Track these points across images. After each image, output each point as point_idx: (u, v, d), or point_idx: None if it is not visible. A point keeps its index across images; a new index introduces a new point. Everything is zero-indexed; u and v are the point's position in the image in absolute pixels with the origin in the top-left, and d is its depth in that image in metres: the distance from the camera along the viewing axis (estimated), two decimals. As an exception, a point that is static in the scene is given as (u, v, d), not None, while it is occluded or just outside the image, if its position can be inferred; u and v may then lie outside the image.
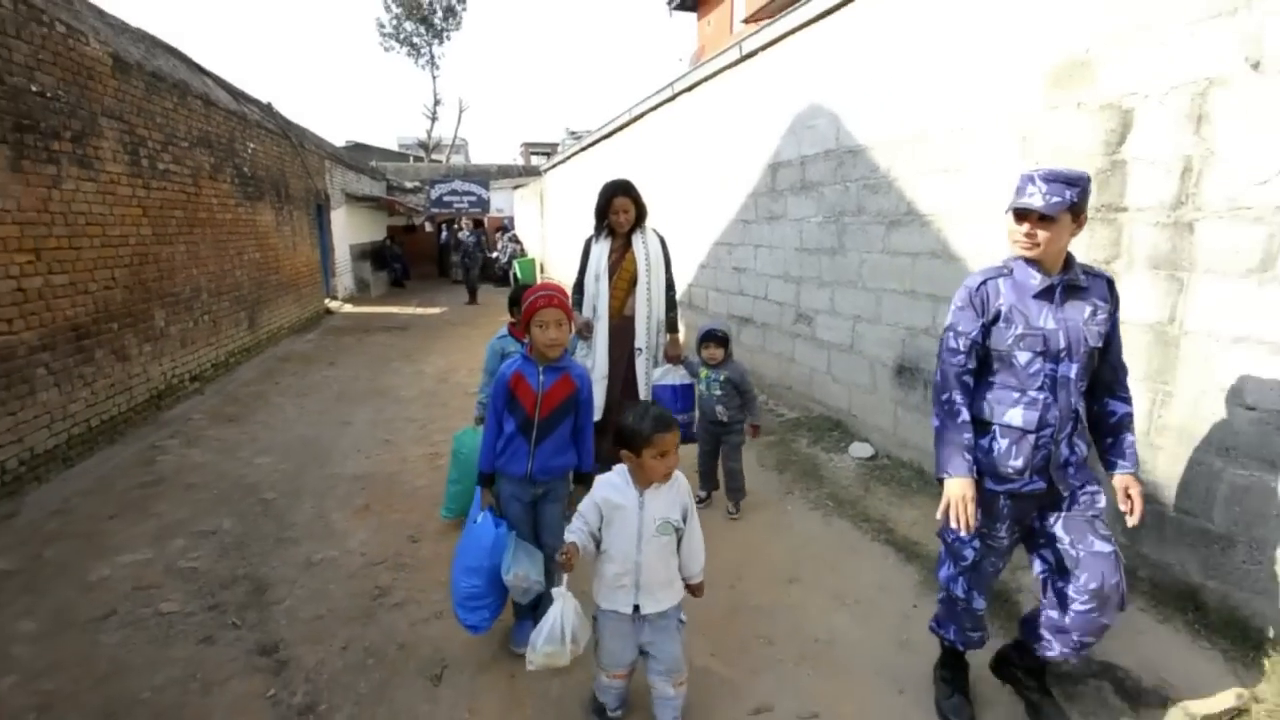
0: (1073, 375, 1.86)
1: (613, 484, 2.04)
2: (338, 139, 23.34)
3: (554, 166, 15.49)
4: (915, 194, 3.71)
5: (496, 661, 2.58)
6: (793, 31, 4.76)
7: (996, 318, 1.90)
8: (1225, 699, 2.10)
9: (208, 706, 2.36)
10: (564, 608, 1.96)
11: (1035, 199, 1.78)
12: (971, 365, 1.94)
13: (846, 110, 4.27)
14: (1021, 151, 3.03)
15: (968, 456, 1.93)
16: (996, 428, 1.94)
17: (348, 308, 13.34)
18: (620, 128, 9.35)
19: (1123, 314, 2.65)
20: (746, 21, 13.97)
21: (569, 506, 2.36)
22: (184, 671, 2.53)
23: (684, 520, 2.05)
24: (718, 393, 3.56)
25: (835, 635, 2.71)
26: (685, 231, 6.95)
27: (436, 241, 20.45)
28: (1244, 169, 2.19)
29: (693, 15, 18.92)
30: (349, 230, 14.86)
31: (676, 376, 3.66)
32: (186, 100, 6.99)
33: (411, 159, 31.16)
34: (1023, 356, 1.87)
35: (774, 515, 3.75)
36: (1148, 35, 2.47)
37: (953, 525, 1.94)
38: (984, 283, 1.94)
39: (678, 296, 3.84)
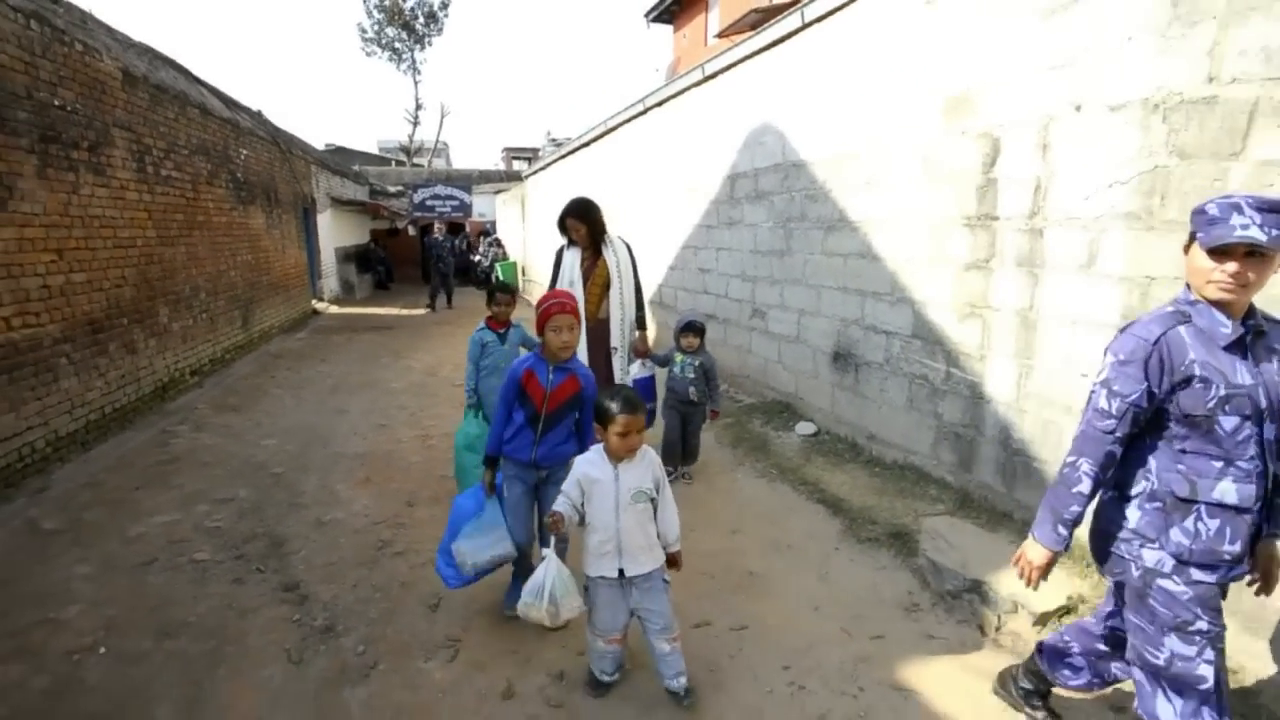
0: (1272, 438, 1.57)
1: (590, 460, 2.26)
2: (318, 142, 23.57)
3: (535, 173, 15.99)
4: (846, 203, 4.31)
5: (485, 595, 3.07)
6: (747, 58, 5.35)
7: (1189, 380, 1.56)
8: (1057, 599, 2.69)
9: (245, 627, 2.85)
10: (548, 568, 2.18)
11: (1254, 232, 1.46)
12: (1123, 433, 1.64)
13: (791, 129, 4.87)
14: (924, 170, 3.63)
15: (1063, 531, 1.75)
16: (1203, 506, 1.60)
17: (334, 309, 13.72)
18: (597, 137, 9.90)
19: (996, 302, 3.27)
20: (720, 36, 14.64)
21: None
22: (221, 603, 3.02)
23: (657, 490, 2.25)
24: (690, 375, 4.04)
25: (767, 571, 3.26)
26: (657, 235, 7.52)
27: (420, 245, 20.81)
28: (1074, 187, 2.79)
29: (669, 28, 19.58)
30: (334, 233, 15.24)
31: (639, 371, 4.06)
32: (186, 110, 7.42)
33: (393, 163, 31.43)
34: (1229, 422, 1.55)
35: (726, 483, 4.31)
36: (1009, 79, 3.08)
37: (1019, 578, 1.82)
38: (1163, 334, 1.59)
39: (649, 297, 4.29)
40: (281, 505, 4.04)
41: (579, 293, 3.91)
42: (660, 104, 7.27)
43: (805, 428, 4.84)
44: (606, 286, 3.95)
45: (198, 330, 7.39)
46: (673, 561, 2.35)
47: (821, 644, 2.72)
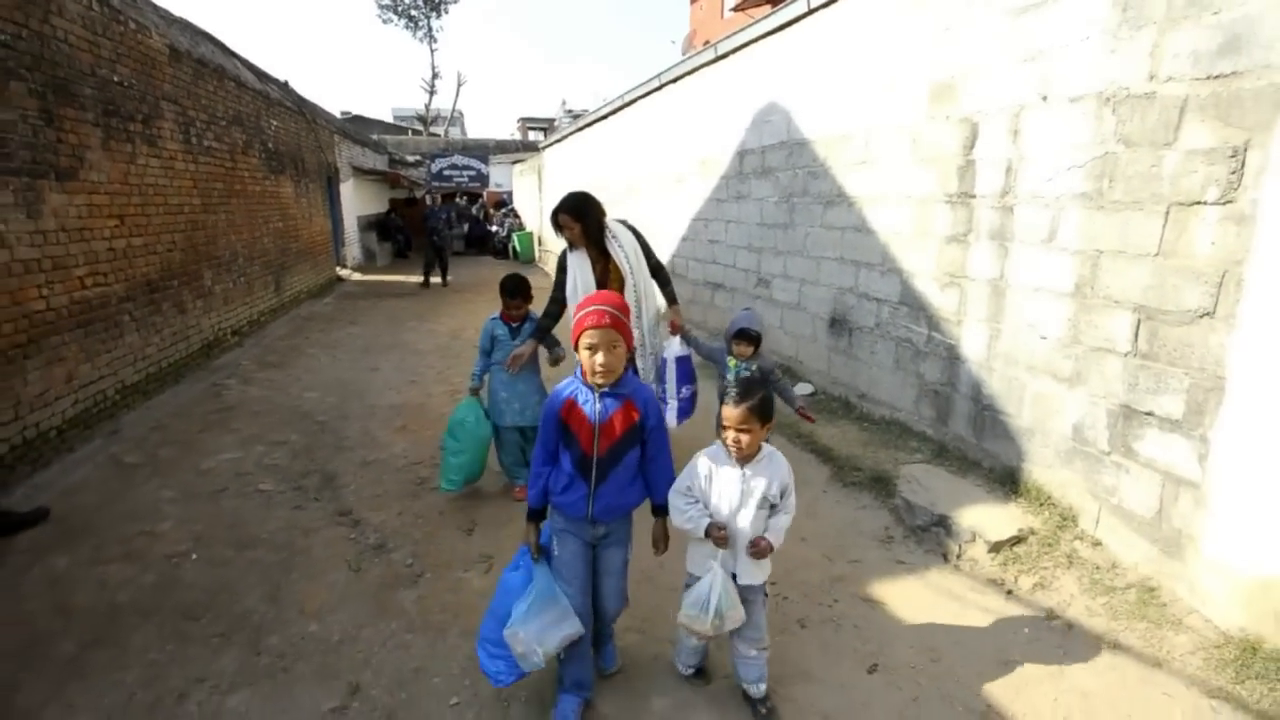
0: None
1: (715, 456, 2.06)
2: (333, 110, 23.83)
3: (552, 144, 16.24)
4: (843, 180, 4.64)
5: (513, 521, 3.55)
6: (757, 39, 5.63)
7: None
8: (1010, 530, 3.11)
9: (309, 543, 3.34)
10: (714, 581, 2.01)
11: None
12: None
13: (796, 109, 5.18)
14: (912, 152, 3.96)
15: None
16: None
17: (357, 275, 14.20)
18: (613, 111, 10.17)
19: (972, 272, 3.63)
20: (736, 10, 14.68)
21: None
22: (287, 524, 3.51)
23: (781, 496, 2.07)
24: None
25: (761, 508, 3.70)
26: (670, 208, 7.86)
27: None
28: (1040, 169, 3.13)
29: (686, -3, 19.54)
30: (356, 202, 15.64)
31: (675, 349, 3.69)
32: (223, 83, 7.79)
33: (410, 132, 31.64)
34: None
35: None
36: (987, 69, 3.40)
37: None
38: None
39: (666, 268, 3.76)
40: (329, 448, 4.52)
41: None
42: (675, 80, 7.55)
43: (804, 388, 5.24)
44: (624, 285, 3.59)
45: (236, 293, 7.86)
46: (755, 544, 2.01)
47: (805, 566, 3.16)
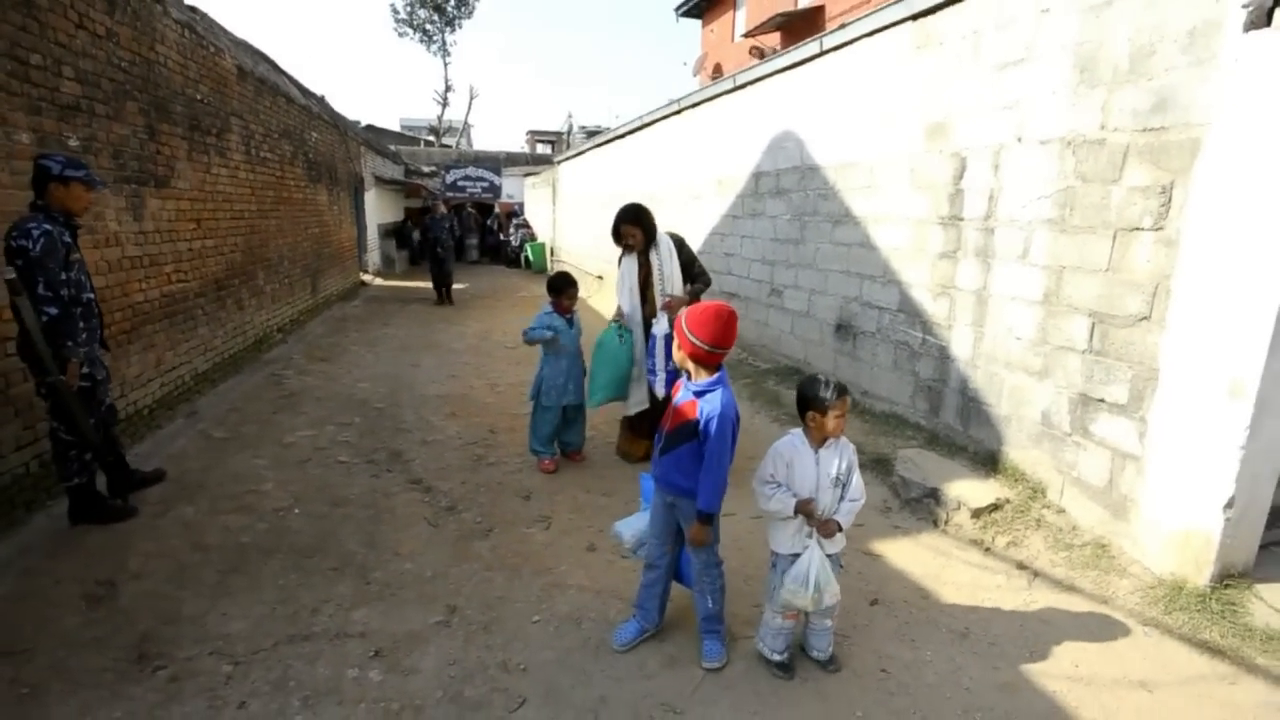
0: None
1: (794, 445, 2.32)
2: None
3: (567, 159, 16.91)
4: (850, 202, 5.26)
5: (565, 490, 4.12)
6: (774, 73, 6.27)
7: None
8: (989, 499, 3.69)
9: (391, 503, 3.90)
10: (813, 558, 2.24)
11: None
12: None
13: (808, 138, 5.81)
14: (910, 180, 4.58)
15: None
16: None
17: (379, 281, 14.79)
18: (632, 131, 10.83)
19: (960, 284, 4.24)
20: (746, 36, 15.42)
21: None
22: (369, 488, 4.07)
23: (849, 473, 2.34)
24: None
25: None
26: (688, 223, 8.47)
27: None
28: (1015, 198, 3.74)
29: (698, 22, 20.32)
30: (377, 211, 16.26)
31: (664, 327, 3.97)
32: (276, 99, 8.43)
33: (422, 143, 32.36)
34: None
35: (745, 424, 5.30)
36: (973, 113, 4.03)
37: None
38: None
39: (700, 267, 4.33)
40: (390, 429, 5.09)
41: (637, 300, 4.20)
42: (694, 105, 8.20)
43: (810, 387, 5.83)
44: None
45: (281, 293, 8.46)
46: (826, 525, 2.29)
47: (814, 528, 3.73)
